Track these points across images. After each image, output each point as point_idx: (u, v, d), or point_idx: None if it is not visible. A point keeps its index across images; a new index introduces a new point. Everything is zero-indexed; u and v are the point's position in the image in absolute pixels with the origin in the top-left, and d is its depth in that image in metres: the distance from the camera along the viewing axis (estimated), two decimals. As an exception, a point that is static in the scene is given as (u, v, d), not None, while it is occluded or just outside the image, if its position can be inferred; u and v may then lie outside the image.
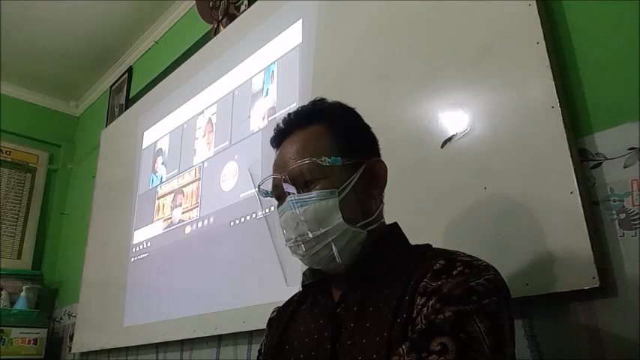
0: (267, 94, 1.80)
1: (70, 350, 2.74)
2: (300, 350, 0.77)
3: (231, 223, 1.77)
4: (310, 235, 0.75)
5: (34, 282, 3.04)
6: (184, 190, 2.11)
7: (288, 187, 0.78)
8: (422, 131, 1.21)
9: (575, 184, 0.91)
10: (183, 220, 2.05)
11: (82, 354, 2.63)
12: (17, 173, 3.35)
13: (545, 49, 1.01)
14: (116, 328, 2.27)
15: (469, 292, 0.62)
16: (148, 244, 2.24)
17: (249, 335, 1.61)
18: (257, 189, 0.88)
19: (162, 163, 2.34)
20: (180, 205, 2.10)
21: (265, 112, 1.77)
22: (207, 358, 1.76)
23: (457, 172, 1.11)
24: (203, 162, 2.03)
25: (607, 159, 0.93)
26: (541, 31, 1.02)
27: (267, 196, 0.84)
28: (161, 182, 2.29)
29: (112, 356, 2.36)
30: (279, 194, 0.81)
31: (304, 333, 0.79)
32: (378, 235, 0.79)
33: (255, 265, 1.61)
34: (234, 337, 1.67)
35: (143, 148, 2.55)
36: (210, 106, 2.10)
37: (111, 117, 3.17)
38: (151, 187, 2.37)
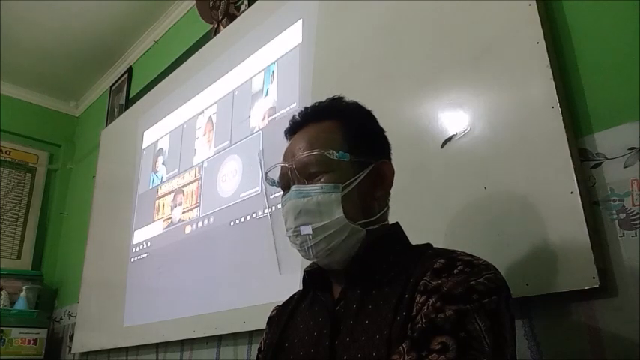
0: (267, 94, 1.80)
1: (70, 350, 2.74)
2: (299, 347, 0.77)
3: (231, 223, 1.77)
4: (309, 227, 0.75)
5: (34, 282, 3.04)
6: (184, 190, 2.11)
7: (295, 177, 0.79)
8: (422, 131, 1.21)
9: (575, 184, 0.91)
10: (183, 220, 2.05)
11: (82, 354, 2.63)
12: (17, 173, 3.35)
13: (545, 49, 1.01)
14: (116, 328, 2.27)
15: (470, 291, 0.62)
16: (148, 244, 2.24)
17: (249, 335, 1.61)
18: (264, 177, 0.89)
19: (163, 163, 2.34)
20: (181, 205, 2.10)
21: (265, 112, 1.77)
22: (207, 358, 1.76)
23: (457, 172, 1.11)
24: (203, 162, 2.03)
25: (607, 159, 0.93)
26: (541, 31, 1.02)
27: (273, 185, 0.85)
28: (161, 182, 2.29)
29: (112, 356, 2.36)
30: (285, 184, 0.82)
31: (304, 330, 0.79)
32: (378, 235, 0.79)
33: (255, 265, 1.61)
34: (234, 337, 1.67)
35: (143, 148, 2.55)
36: (210, 106, 2.10)
37: (111, 117, 3.17)
38: (151, 187, 2.37)
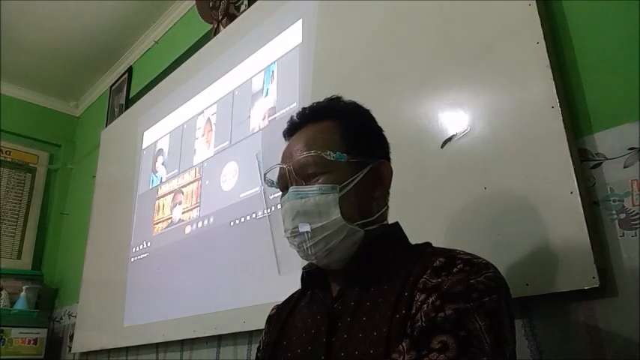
0: (267, 94, 1.80)
1: (70, 350, 2.74)
2: (297, 345, 0.77)
3: (231, 223, 1.77)
4: (307, 228, 0.76)
5: (34, 282, 3.04)
6: (184, 190, 2.11)
7: (292, 178, 0.79)
8: (422, 131, 1.21)
9: (575, 184, 0.91)
10: (183, 220, 2.05)
11: (82, 354, 2.63)
12: (17, 173, 3.35)
13: (545, 49, 1.00)
14: (116, 328, 2.27)
15: (469, 290, 0.62)
16: (148, 244, 2.24)
17: (249, 335, 1.61)
18: (263, 178, 0.89)
19: (163, 164, 2.34)
20: (180, 205, 2.10)
21: (265, 112, 1.77)
22: (207, 358, 1.76)
23: (457, 172, 1.11)
24: (203, 162, 2.03)
25: (607, 159, 0.93)
26: (541, 31, 1.02)
27: (272, 186, 0.86)
28: (161, 182, 2.29)
29: (112, 356, 2.36)
30: (284, 185, 0.82)
31: (302, 328, 0.79)
32: (376, 235, 0.79)
33: (255, 265, 1.61)
34: (234, 337, 1.67)
35: (143, 148, 2.55)
36: (210, 106, 2.10)
37: (111, 117, 3.17)
38: (151, 187, 2.37)
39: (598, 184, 0.93)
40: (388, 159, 0.86)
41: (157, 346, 2.03)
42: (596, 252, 0.87)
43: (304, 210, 0.76)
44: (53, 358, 2.90)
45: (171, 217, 2.14)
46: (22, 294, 2.91)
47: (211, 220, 1.88)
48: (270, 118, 1.74)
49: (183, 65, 2.40)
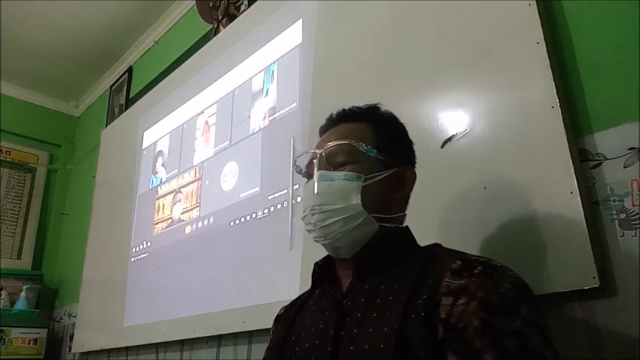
0: (267, 94, 1.80)
1: (70, 350, 2.74)
2: (305, 339, 0.79)
3: (231, 223, 1.77)
4: (325, 208, 0.79)
5: (34, 282, 3.04)
6: (184, 190, 2.11)
7: (322, 163, 0.83)
8: (422, 131, 1.20)
9: (575, 184, 0.91)
10: (183, 220, 2.05)
11: (82, 354, 2.63)
12: (17, 173, 3.35)
13: (545, 49, 1.00)
14: (116, 328, 2.27)
15: (504, 298, 0.65)
16: (148, 243, 2.24)
17: (249, 335, 1.61)
18: (294, 162, 0.94)
19: (162, 165, 2.34)
20: (181, 205, 2.10)
21: (265, 112, 1.77)
22: (207, 358, 1.76)
23: (457, 172, 1.11)
24: (203, 162, 2.03)
25: (607, 159, 0.93)
26: (541, 31, 1.02)
27: (299, 173, 0.89)
28: (161, 182, 2.30)
29: (112, 356, 2.36)
30: (312, 171, 0.85)
31: (310, 324, 0.81)
32: (389, 233, 0.82)
33: (255, 265, 1.61)
34: (234, 337, 1.67)
35: (143, 148, 2.55)
36: (210, 106, 2.10)
37: (111, 117, 3.17)
38: (150, 187, 2.37)
39: (598, 184, 0.93)
40: (414, 167, 0.89)
41: (157, 346, 2.03)
42: (596, 252, 0.87)
43: (328, 191, 0.80)
44: (53, 358, 2.90)
45: (171, 217, 2.14)
46: (22, 294, 2.91)
47: (211, 220, 1.88)
48: (270, 118, 1.74)
49: (183, 65, 2.40)
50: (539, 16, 1.03)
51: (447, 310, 0.66)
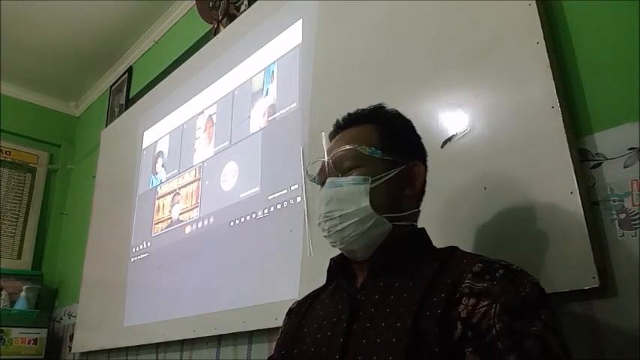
0: (267, 94, 1.80)
1: (70, 350, 2.74)
2: (317, 331, 0.80)
3: (231, 223, 1.77)
4: (337, 214, 0.81)
5: (34, 282, 3.04)
6: (184, 190, 2.11)
7: (331, 170, 0.85)
8: (422, 131, 1.19)
9: (575, 184, 0.91)
10: (183, 220, 2.05)
11: (82, 354, 2.63)
12: (17, 173, 3.35)
13: (545, 49, 1.00)
14: (116, 328, 2.27)
15: (525, 304, 0.66)
16: (148, 244, 2.24)
17: (249, 335, 1.61)
18: (305, 172, 0.97)
19: (162, 166, 2.34)
20: (180, 205, 2.10)
21: (265, 112, 1.77)
22: (207, 358, 1.76)
23: (457, 172, 1.11)
24: (203, 162, 2.03)
25: (607, 159, 0.93)
26: (541, 31, 1.02)
27: (313, 181, 0.92)
28: (161, 182, 2.30)
29: (112, 356, 2.36)
30: (323, 178, 0.88)
31: (323, 317, 0.82)
32: (404, 232, 0.83)
33: (255, 265, 1.61)
34: (234, 337, 1.67)
35: (143, 148, 2.55)
36: (210, 106, 2.10)
37: (111, 117, 3.17)
38: (150, 188, 2.37)
39: (598, 184, 0.93)
40: (424, 164, 0.90)
41: (157, 346, 2.03)
42: (596, 252, 0.87)
43: (337, 197, 0.82)
44: (53, 358, 2.90)
45: (171, 217, 2.14)
46: (22, 294, 2.91)
47: (211, 220, 1.88)
48: (270, 118, 1.74)
49: (183, 65, 2.40)
50: (539, 16, 1.03)
51: (468, 309, 0.66)
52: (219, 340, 1.73)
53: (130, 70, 3.13)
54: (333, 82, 1.52)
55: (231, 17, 2.23)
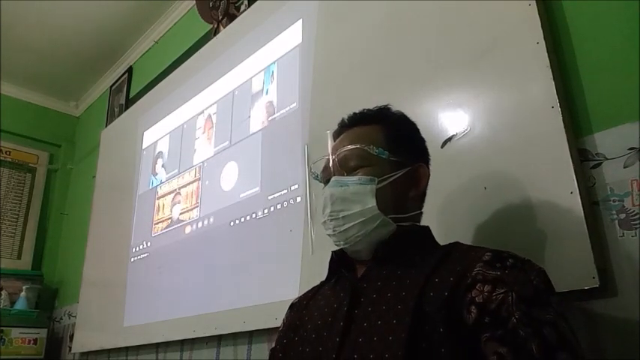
0: (267, 94, 1.80)
1: (70, 350, 2.74)
2: (318, 318, 0.80)
3: (231, 223, 1.77)
4: (342, 214, 0.81)
5: (34, 282, 3.04)
6: (184, 190, 2.11)
7: (336, 169, 0.85)
8: (422, 131, 1.20)
9: (575, 184, 0.91)
10: (183, 220, 2.05)
11: (82, 354, 2.63)
12: (17, 173, 3.35)
13: (545, 49, 1.00)
14: (116, 328, 2.27)
15: (538, 292, 0.67)
16: (148, 243, 2.24)
17: (249, 335, 1.61)
18: (309, 169, 0.96)
19: (162, 166, 2.34)
20: (180, 205, 2.10)
21: (265, 112, 1.77)
22: (207, 358, 1.76)
23: (457, 172, 1.11)
24: (203, 162, 2.03)
25: (607, 159, 0.93)
26: (541, 31, 1.02)
27: (316, 179, 0.91)
28: (161, 183, 2.30)
29: (112, 356, 2.36)
30: (327, 176, 0.87)
31: (324, 305, 0.82)
32: (408, 230, 0.83)
33: (255, 265, 1.61)
34: (234, 337, 1.67)
35: (143, 148, 2.55)
36: (210, 106, 2.10)
37: (111, 117, 3.17)
38: (150, 188, 2.37)
39: (598, 184, 0.93)
40: (427, 165, 0.91)
41: (157, 346, 2.03)
42: (596, 252, 0.87)
43: (343, 197, 0.82)
44: (53, 358, 2.90)
45: (171, 217, 2.14)
46: (22, 294, 2.91)
47: (211, 220, 1.88)
48: (270, 118, 1.74)
49: (183, 65, 2.40)
50: (539, 16, 1.03)
51: (484, 295, 0.66)
52: (219, 340, 1.73)
53: (130, 70, 3.13)
54: (333, 82, 1.52)
55: (231, 17, 2.23)
